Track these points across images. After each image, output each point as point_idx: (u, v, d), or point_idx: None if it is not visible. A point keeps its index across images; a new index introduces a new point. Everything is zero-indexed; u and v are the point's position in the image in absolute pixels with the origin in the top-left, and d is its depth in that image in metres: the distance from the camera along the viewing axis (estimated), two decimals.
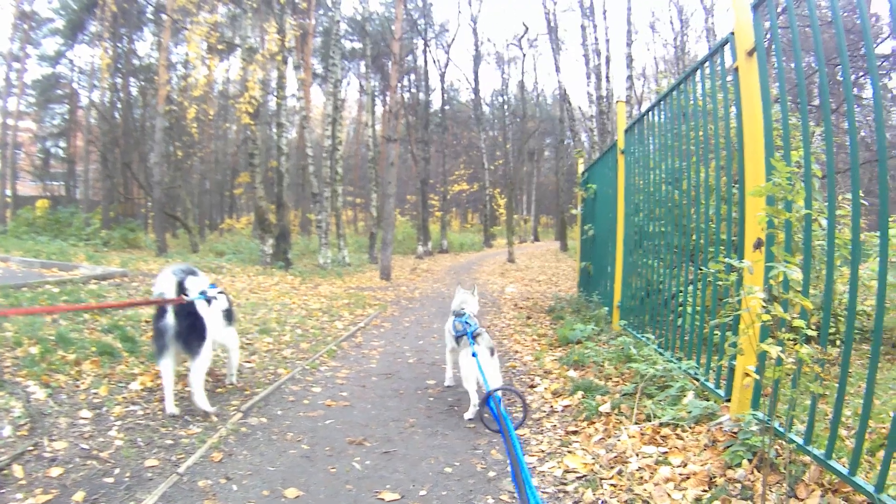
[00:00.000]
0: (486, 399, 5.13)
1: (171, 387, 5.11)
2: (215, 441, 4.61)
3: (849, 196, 4.49)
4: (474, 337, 5.36)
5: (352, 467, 4.25)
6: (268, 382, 6.37)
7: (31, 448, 4.14)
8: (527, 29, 42.45)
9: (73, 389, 5.25)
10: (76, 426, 4.62)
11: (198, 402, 5.11)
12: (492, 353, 5.38)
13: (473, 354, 5.01)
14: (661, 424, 4.44)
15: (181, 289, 5.14)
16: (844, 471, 3.03)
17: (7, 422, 4.37)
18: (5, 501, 3.48)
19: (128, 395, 5.33)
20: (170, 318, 5.01)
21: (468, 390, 5.37)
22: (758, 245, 3.50)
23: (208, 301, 5.43)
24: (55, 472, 3.90)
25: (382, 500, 3.75)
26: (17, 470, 3.83)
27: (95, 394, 5.25)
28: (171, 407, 5.08)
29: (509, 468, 4.23)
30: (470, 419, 5.27)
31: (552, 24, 33.84)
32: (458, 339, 5.75)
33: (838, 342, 5.43)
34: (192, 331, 5.09)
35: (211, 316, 5.40)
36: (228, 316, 5.94)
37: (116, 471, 4.02)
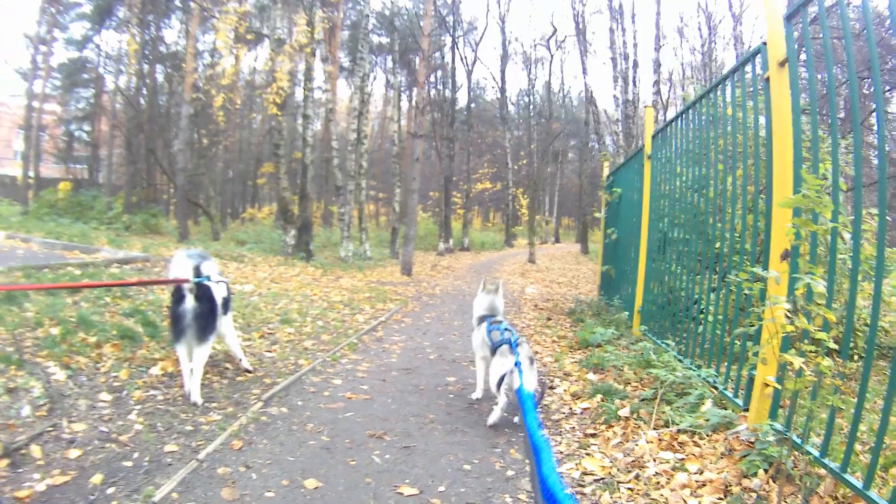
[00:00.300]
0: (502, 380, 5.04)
1: (188, 371, 5.19)
2: (235, 429, 4.68)
3: (873, 210, 4.49)
4: (516, 346, 5.10)
5: (371, 460, 4.30)
6: (289, 372, 6.44)
7: (49, 429, 4.21)
8: (555, 30, 42.14)
9: (94, 372, 5.34)
10: (96, 409, 4.70)
11: (193, 391, 5.17)
12: (531, 363, 5.17)
13: (517, 364, 4.78)
14: (678, 431, 4.45)
15: (198, 274, 5.19)
16: (859, 485, 3.05)
17: (26, 402, 4.44)
18: (23, 481, 3.54)
19: (148, 380, 5.41)
20: (189, 303, 5.09)
21: (495, 394, 5.17)
22: (785, 256, 3.53)
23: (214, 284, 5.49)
24: (73, 453, 3.97)
25: (401, 494, 3.79)
26: (36, 450, 3.90)
27: (115, 377, 5.33)
28: (194, 391, 5.16)
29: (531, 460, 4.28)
30: (492, 424, 5.12)
31: (580, 25, 33.69)
32: (494, 349, 5.38)
33: (856, 357, 5.43)
34: (209, 316, 5.19)
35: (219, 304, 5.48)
36: (225, 305, 5.93)
37: (136, 455, 4.08)
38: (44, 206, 24.22)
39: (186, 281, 5.12)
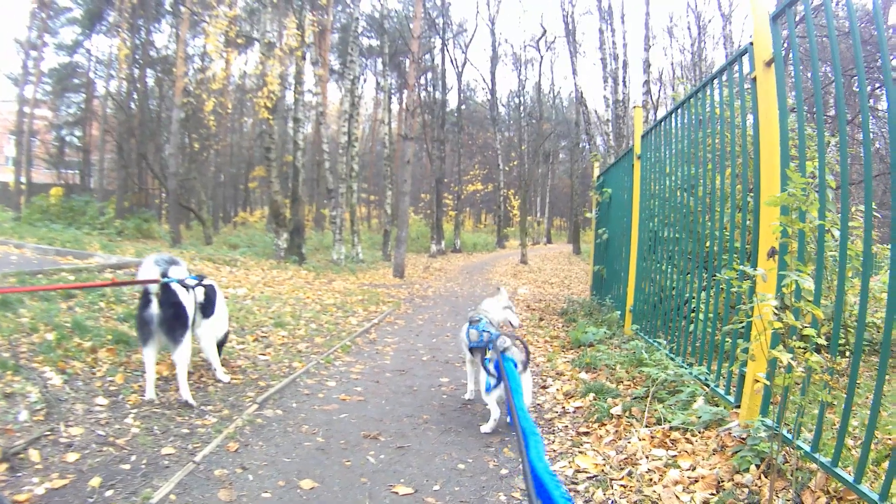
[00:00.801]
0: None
1: (153, 374, 5.18)
2: (231, 431, 4.69)
3: (862, 208, 4.53)
4: (504, 351, 4.82)
5: (366, 461, 4.33)
6: (283, 375, 6.45)
7: (47, 433, 4.21)
8: (545, 31, 42.24)
9: (89, 376, 5.33)
10: (92, 413, 4.69)
11: (182, 392, 5.17)
12: (523, 368, 4.86)
13: (486, 361, 4.70)
14: (671, 428, 4.48)
15: (164, 278, 5.13)
16: (850, 479, 3.07)
17: (23, 406, 4.43)
18: (22, 485, 3.53)
19: (143, 384, 5.35)
20: (154, 308, 5.02)
21: (488, 403, 5.07)
22: (772, 254, 3.56)
23: (186, 288, 5.42)
24: (71, 457, 3.97)
25: (396, 493, 3.82)
26: (34, 454, 3.90)
27: (111, 381, 5.32)
28: (151, 393, 5.15)
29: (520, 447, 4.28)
30: (487, 432, 5.04)
31: (570, 26, 33.86)
32: (472, 349, 5.37)
33: (847, 353, 5.46)
34: (175, 319, 5.10)
35: (191, 306, 5.39)
36: (207, 308, 5.82)
37: (133, 457, 4.09)
38: (36, 211, 24.02)
39: (155, 282, 5.07)
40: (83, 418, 4.56)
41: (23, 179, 30.26)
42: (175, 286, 5.19)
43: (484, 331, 5.19)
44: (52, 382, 4.95)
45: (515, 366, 4.75)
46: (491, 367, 4.90)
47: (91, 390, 5.06)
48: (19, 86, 30.70)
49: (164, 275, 5.14)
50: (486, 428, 5.09)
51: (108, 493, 3.58)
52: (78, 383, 5.11)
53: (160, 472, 3.92)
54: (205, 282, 5.86)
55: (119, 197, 28.38)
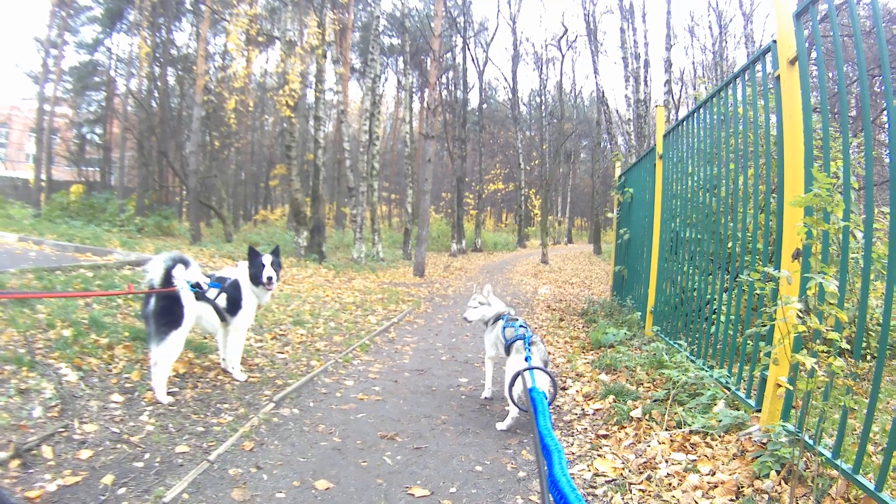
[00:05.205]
0: (515, 380, 4.90)
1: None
2: (247, 430, 4.69)
3: (885, 209, 4.46)
4: (530, 345, 5.03)
5: (383, 461, 4.31)
6: (300, 374, 6.45)
7: (61, 430, 4.23)
8: (566, 30, 42.10)
9: (105, 373, 5.36)
10: (107, 410, 4.71)
11: (156, 389, 5.08)
12: (545, 365, 5.08)
13: (527, 359, 4.71)
14: (691, 432, 4.43)
15: (168, 276, 5.09)
16: (871, 486, 3.02)
17: (38, 403, 4.47)
18: (34, 481, 3.55)
19: None
20: (152, 302, 5.04)
21: (508, 398, 5.05)
22: (796, 255, 3.50)
23: (199, 294, 5.41)
24: (85, 454, 3.98)
25: (412, 495, 3.79)
26: (47, 451, 3.92)
27: (127, 378, 5.35)
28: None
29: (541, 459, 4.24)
30: (503, 430, 5.08)
31: (591, 25, 33.65)
32: (507, 347, 5.37)
33: (869, 357, 5.38)
34: (162, 313, 5.04)
35: (191, 307, 5.30)
36: (233, 307, 5.80)
37: (147, 455, 4.09)
38: (56, 208, 24.30)
39: (172, 289, 5.06)
40: (98, 415, 4.58)
41: (43, 177, 30.48)
42: (178, 283, 5.14)
43: (521, 325, 5.41)
44: (68, 379, 4.99)
45: (546, 364, 5.05)
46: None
47: (106, 387, 5.09)
48: (40, 84, 30.97)
49: (168, 270, 5.11)
50: (502, 426, 5.10)
51: (121, 490, 3.58)
52: (93, 380, 5.15)
53: (174, 470, 3.92)
54: (228, 280, 5.87)
55: (139, 194, 28.60)
